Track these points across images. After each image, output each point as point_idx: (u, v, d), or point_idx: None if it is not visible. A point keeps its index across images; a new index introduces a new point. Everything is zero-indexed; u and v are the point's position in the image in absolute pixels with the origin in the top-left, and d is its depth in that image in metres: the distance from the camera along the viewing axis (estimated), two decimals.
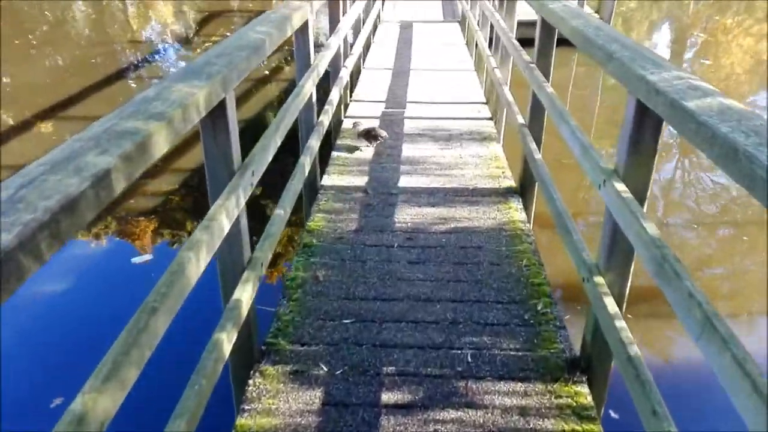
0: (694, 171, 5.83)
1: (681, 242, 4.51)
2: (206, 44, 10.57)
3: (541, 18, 3.00)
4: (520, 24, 4.63)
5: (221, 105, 1.76)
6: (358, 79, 5.87)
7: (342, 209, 3.25)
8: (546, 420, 1.83)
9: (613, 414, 2.64)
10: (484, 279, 2.57)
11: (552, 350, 2.13)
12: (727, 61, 10.81)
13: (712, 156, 1.20)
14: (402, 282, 2.57)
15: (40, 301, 3.65)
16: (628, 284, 1.86)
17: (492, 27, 5.03)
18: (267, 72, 8.43)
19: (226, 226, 1.71)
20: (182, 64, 9.82)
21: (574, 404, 1.87)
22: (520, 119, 3.42)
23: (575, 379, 1.98)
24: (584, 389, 1.94)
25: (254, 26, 2.35)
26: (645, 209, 1.72)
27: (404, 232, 3.00)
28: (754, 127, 1.17)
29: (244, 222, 2.00)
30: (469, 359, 2.10)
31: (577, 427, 1.81)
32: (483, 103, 5.06)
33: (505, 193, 3.39)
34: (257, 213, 4.41)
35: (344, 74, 4.40)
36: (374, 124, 4.44)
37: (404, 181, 3.56)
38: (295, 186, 2.69)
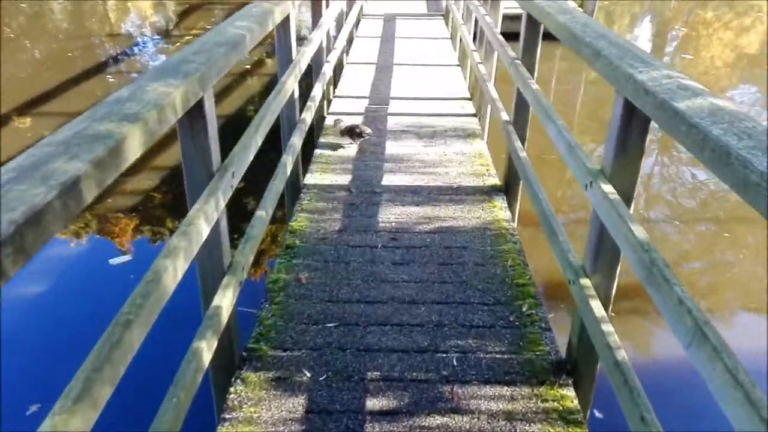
0: (674, 165, 5.88)
1: (662, 236, 4.54)
2: (186, 37, 10.38)
3: (527, 13, 2.97)
4: (505, 17, 4.60)
5: (199, 104, 1.70)
6: (341, 74, 5.80)
7: (325, 209, 3.20)
8: (532, 424, 1.81)
9: (597, 414, 2.64)
10: (469, 280, 2.54)
11: (538, 353, 2.11)
12: (707, 54, 10.95)
13: (704, 159, 1.18)
14: (386, 284, 2.54)
15: (15, 304, 3.55)
16: (614, 286, 1.84)
17: (476, 21, 4.99)
18: (248, 66, 8.30)
19: (205, 230, 1.66)
20: (162, 57, 9.63)
21: (561, 408, 1.86)
22: (505, 116, 3.39)
23: (561, 382, 1.96)
24: (570, 392, 1.92)
25: (234, 21, 2.28)
26: (632, 210, 1.71)
27: (388, 232, 2.96)
28: (746, 129, 1.15)
29: (224, 225, 1.94)
30: (455, 363, 2.08)
31: None
32: (467, 99, 5.03)
33: (490, 192, 3.37)
34: (237, 211, 4.34)
35: (327, 69, 4.34)
36: (357, 120, 4.38)
37: (388, 180, 3.52)
38: (277, 186, 2.63)
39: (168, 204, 4.86)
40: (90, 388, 1.06)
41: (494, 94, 3.79)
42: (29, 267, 0.97)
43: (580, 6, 10.08)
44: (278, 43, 3.18)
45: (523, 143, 3.09)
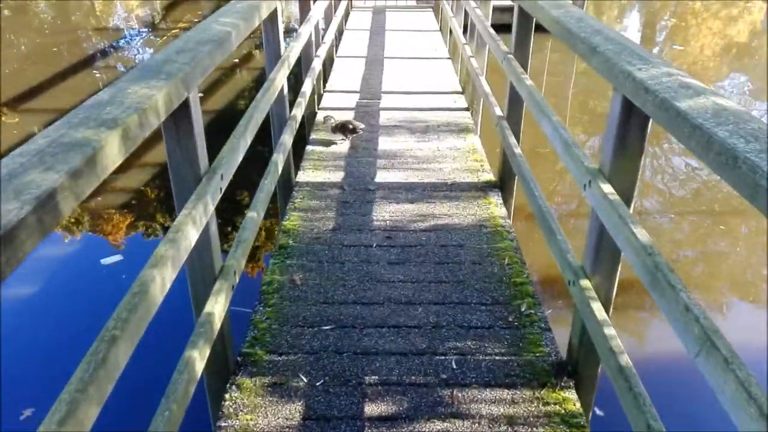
0: (664, 155, 5.87)
1: (656, 226, 4.53)
2: (173, 30, 10.22)
3: (519, 7, 2.92)
4: (495, 9, 4.54)
5: (184, 105, 1.64)
6: (331, 68, 5.73)
7: (318, 207, 3.14)
8: (534, 429, 1.77)
9: (598, 411, 2.62)
10: (466, 279, 2.50)
11: (538, 354, 2.07)
12: (696, 44, 10.95)
13: (708, 161, 1.14)
14: (382, 284, 2.49)
15: (7, 305, 3.47)
16: (615, 287, 1.81)
17: (467, 13, 4.93)
18: (237, 60, 8.18)
19: (194, 236, 1.60)
20: (149, 49, 9.48)
21: (563, 411, 1.83)
22: (498, 111, 3.34)
23: (562, 384, 1.93)
24: (572, 395, 1.89)
25: (218, 17, 2.21)
26: (632, 209, 1.67)
27: (383, 230, 2.91)
28: (752, 131, 1.11)
29: (213, 229, 1.88)
30: (454, 365, 2.04)
31: None
32: (459, 92, 4.97)
33: (485, 188, 3.32)
34: (226, 208, 4.26)
35: (317, 64, 4.26)
36: (349, 116, 4.32)
37: (381, 176, 3.46)
38: (268, 186, 2.57)
39: (162, 199, 4.80)
40: (75, 410, 1.01)
41: (487, 88, 3.74)
42: (20, 266, 0.93)
43: None
44: (266, 39, 3.10)
45: (517, 139, 3.05)
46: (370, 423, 1.83)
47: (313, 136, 4.08)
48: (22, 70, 8.26)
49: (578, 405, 1.85)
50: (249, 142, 2.23)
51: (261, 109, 2.48)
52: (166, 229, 1.55)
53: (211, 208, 1.77)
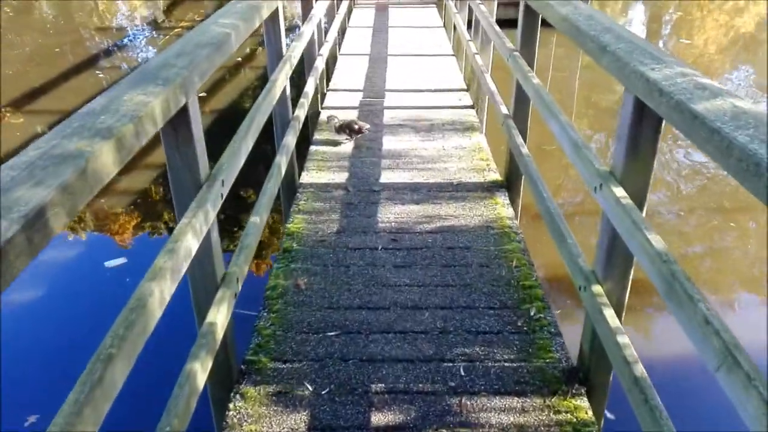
0: (670, 151, 5.79)
1: (663, 222, 4.46)
2: (176, 29, 10.20)
3: (525, 3, 2.86)
4: (499, 4, 4.47)
5: (183, 111, 1.60)
6: (334, 66, 5.67)
7: (322, 209, 3.10)
8: None
9: (609, 415, 2.57)
10: (473, 282, 2.45)
11: (548, 360, 2.03)
12: (703, 37, 10.82)
13: (728, 167, 1.08)
14: (388, 288, 2.45)
15: (12, 308, 3.45)
16: (627, 293, 1.76)
17: (471, 9, 4.86)
18: (240, 59, 8.14)
19: (194, 246, 1.56)
20: (151, 49, 9.46)
21: (574, 420, 1.78)
22: (504, 110, 3.28)
23: (574, 391, 1.88)
24: (584, 403, 1.84)
25: (218, 18, 2.16)
26: (644, 213, 1.62)
27: (388, 232, 2.87)
28: None
29: (215, 236, 1.84)
30: (462, 372, 1.99)
31: None
32: (464, 90, 4.91)
33: (491, 188, 3.27)
34: (231, 205, 4.23)
35: (319, 63, 4.21)
36: (352, 115, 4.27)
37: (386, 177, 3.42)
38: (271, 189, 2.53)
39: (169, 199, 4.77)
40: None
41: (492, 86, 3.68)
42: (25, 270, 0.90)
43: None
44: (267, 39, 3.06)
45: (524, 138, 2.99)
46: None
47: (317, 136, 4.03)
48: (26, 71, 8.26)
49: (590, 413, 1.80)
50: (250, 146, 2.19)
51: (263, 112, 2.44)
52: (171, 230, 1.52)
53: (212, 216, 1.73)
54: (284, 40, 3.14)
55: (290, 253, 2.72)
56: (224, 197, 1.85)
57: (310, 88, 3.72)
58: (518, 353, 2.07)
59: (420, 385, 1.95)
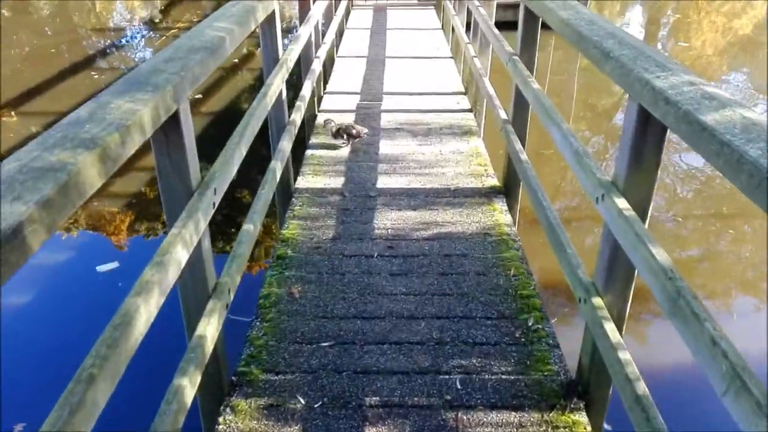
0: (667, 154, 5.75)
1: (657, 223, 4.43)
2: (172, 30, 10.13)
3: (525, 7, 2.82)
4: (497, 6, 4.43)
5: (173, 118, 1.55)
6: (331, 68, 5.63)
7: (318, 215, 3.05)
8: None
9: (606, 426, 2.53)
10: (470, 292, 2.41)
11: (546, 372, 1.98)
12: (700, 39, 10.81)
13: (740, 184, 1.04)
14: (383, 297, 2.40)
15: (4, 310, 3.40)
16: (629, 306, 1.71)
17: (469, 11, 4.82)
18: (236, 60, 8.09)
19: (184, 257, 1.51)
20: (148, 49, 9.40)
21: None
22: (503, 115, 3.24)
23: (572, 405, 1.84)
24: (582, 418, 1.80)
25: (212, 22, 2.12)
26: (647, 224, 1.57)
27: (385, 239, 2.82)
28: None
29: (206, 245, 1.79)
30: (459, 385, 1.95)
31: None
32: (462, 93, 4.87)
33: (489, 194, 3.23)
34: (226, 205, 4.17)
35: (316, 66, 4.17)
36: (349, 119, 4.23)
37: (383, 182, 3.37)
38: (265, 195, 2.48)
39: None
40: None
41: (491, 90, 3.64)
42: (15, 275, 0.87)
43: None
44: (263, 43, 3.01)
45: (523, 144, 2.95)
46: None
47: (313, 140, 3.98)
48: (20, 71, 8.19)
49: (589, 429, 1.76)
50: (244, 152, 2.14)
51: (257, 117, 2.39)
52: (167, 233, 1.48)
53: (203, 225, 1.68)
54: (281, 44, 3.09)
55: (284, 260, 2.68)
56: (216, 205, 1.81)
57: (306, 90, 3.68)
58: (516, 365, 2.02)
59: (415, 399, 1.91)
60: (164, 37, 9.77)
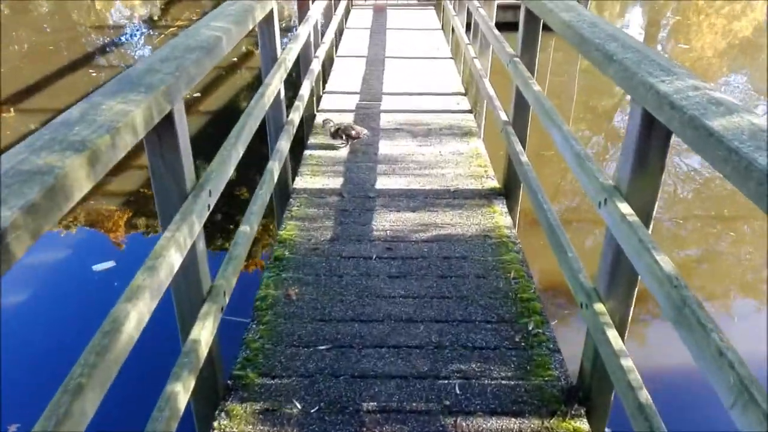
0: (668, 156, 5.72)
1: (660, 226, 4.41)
2: (171, 28, 10.09)
3: (526, 9, 2.79)
4: (497, 7, 4.40)
5: (167, 119, 1.51)
6: (330, 67, 5.59)
7: (316, 216, 3.02)
8: None
9: (607, 430, 2.51)
10: (470, 295, 2.38)
11: (547, 377, 1.95)
12: (701, 41, 10.79)
13: (748, 192, 1.01)
14: (382, 300, 2.37)
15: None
16: (631, 312, 1.69)
17: (469, 12, 4.79)
18: (235, 59, 8.05)
19: (177, 261, 1.48)
20: (147, 47, 9.36)
21: None
22: (503, 116, 3.21)
23: (573, 412, 1.81)
24: (584, 425, 1.77)
25: (209, 21, 2.08)
26: (650, 230, 1.54)
27: (383, 241, 2.79)
28: None
29: (201, 248, 1.76)
30: (458, 390, 1.92)
31: None
32: (462, 94, 4.84)
33: (489, 195, 3.20)
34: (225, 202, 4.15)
35: (315, 66, 4.13)
36: (348, 119, 4.19)
37: (382, 183, 3.34)
38: (263, 196, 2.45)
39: None
40: None
41: (491, 91, 3.61)
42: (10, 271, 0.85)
43: None
44: (261, 42, 2.97)
45: (523, 146, 2.92)
46: None
47: (312, 140, 3.95)
48: (19, 68, 8.16)
49: None
50: (241, 153, 2.11)
51: (255, 117, 2.36)
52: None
53: (198, 227, 1.65)
54: (279, 43, 3.06)
55: (281, 262, 2.65)
56: (211, 208, 1.77)
57: (305, 90, 3.64)
58: (516, 370, 1.99)
59: (413, 404, 1.88)
60: (163, 35, 9.73)
